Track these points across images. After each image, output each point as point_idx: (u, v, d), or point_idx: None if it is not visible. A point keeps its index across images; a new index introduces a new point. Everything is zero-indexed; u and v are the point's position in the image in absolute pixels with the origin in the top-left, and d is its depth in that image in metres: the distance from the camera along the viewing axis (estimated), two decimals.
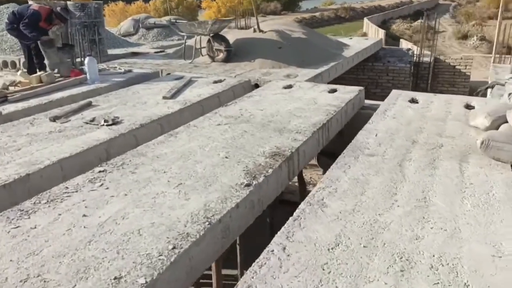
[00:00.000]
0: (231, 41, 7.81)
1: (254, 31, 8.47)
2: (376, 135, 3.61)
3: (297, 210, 2.39)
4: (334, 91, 5.17)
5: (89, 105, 4.67)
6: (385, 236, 2.14)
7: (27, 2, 7.58)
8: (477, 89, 6.77)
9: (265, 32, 8.20)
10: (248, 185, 2.70)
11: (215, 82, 5.83)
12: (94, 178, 2.84)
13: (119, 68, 6.81)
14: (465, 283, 1.80)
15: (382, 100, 4.92)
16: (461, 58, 11.89)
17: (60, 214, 2.39)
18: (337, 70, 7.58)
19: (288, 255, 2.00)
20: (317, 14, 38.90)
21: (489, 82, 7.55)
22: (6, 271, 1.90)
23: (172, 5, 28.70)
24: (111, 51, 9.75)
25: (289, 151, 3.27)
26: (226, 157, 3.16)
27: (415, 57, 11.58)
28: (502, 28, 11.14)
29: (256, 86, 6.13)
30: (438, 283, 1.81)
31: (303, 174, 5.90)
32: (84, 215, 2.37)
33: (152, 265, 1.92)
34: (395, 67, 11.30)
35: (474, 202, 2.47)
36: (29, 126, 3.93)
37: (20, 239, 2.13)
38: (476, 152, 3.20)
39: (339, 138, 4.47)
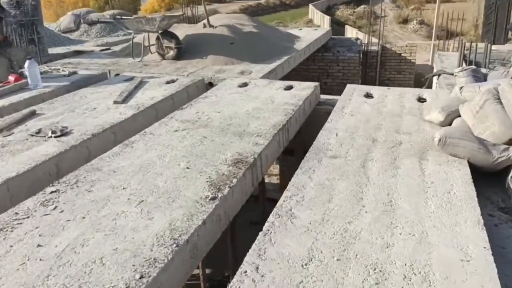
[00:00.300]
0: (180, 38, 7.58)
1: (204, 26, 8.26)
2: (336, 135, 3.62)
3: (266, 224, 2.33)
4: (290, 87, 5.14)
5: (33, 114, 4.35)
6: (357, 246, 2.13)
7: None
8: (424, 75, 7.01)
9: (216, 27, 8.01)
10: (213, 198, 2.61)
11: (168, 82, 5.63)
12: (46, 200, 2.64)
13: (63, 70, 6.41)
14: None
15: (335, 91, 4.96)
16: (406, 46, 12.29)
17: (11, 246, 2.19)
18: (289, 64, 7.56)
19: (262, 276, 1.94)
20: (262, 1, 38.81)
21: (435, 69, 7.84)
22: None
23: None
24: (51, 50, 9.17)
25: (252, 157, 3.20)
26: (188, 168, 3.04)
27: (363, 46, 11.85)
28: (440, 12, 11.57)
29: (210, 84, 5.98)
30: None
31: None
32: (39, 245, 2.19)
33: None
34: (345, 56, 11.49)
35: (437, 203, 2.52)
36: None
37: None
38: (434, 148, 3.28)
39: (297, 134, 4.45)
